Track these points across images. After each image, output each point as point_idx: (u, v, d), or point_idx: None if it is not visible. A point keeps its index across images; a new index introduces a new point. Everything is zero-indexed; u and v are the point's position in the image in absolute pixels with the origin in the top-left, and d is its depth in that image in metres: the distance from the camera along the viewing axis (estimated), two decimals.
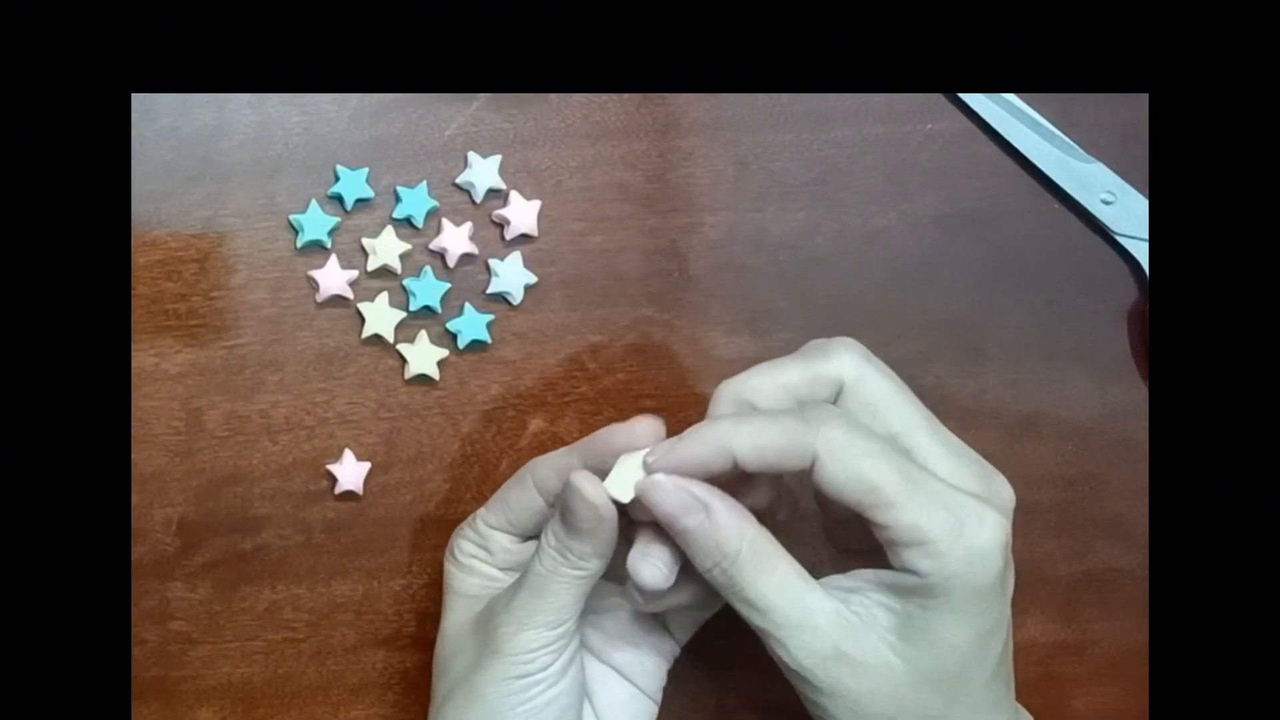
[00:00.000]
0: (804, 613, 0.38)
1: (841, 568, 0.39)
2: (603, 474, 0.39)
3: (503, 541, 0.43)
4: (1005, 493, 0.39)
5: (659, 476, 0.38)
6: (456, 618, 0.43)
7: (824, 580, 0.39)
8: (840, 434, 0.37)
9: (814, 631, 0.37)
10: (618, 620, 0.43)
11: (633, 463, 0.39)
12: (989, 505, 0.37)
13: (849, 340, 0.40)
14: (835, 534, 0.42)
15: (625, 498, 0.38)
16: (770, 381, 0.39)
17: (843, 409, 0.39)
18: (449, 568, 0.43)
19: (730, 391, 0.39)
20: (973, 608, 0.37)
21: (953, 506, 0.37)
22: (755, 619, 0.38)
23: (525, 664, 0.40)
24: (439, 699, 0.42)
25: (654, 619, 0.44)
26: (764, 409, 0.39)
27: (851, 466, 0.37)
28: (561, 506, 0.39)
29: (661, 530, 0.39)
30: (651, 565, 0.39)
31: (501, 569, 0.43)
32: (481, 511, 0.43)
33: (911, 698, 0.38)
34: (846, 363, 0.39)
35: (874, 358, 0.40)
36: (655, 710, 0.44)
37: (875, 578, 0.38)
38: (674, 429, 0.47)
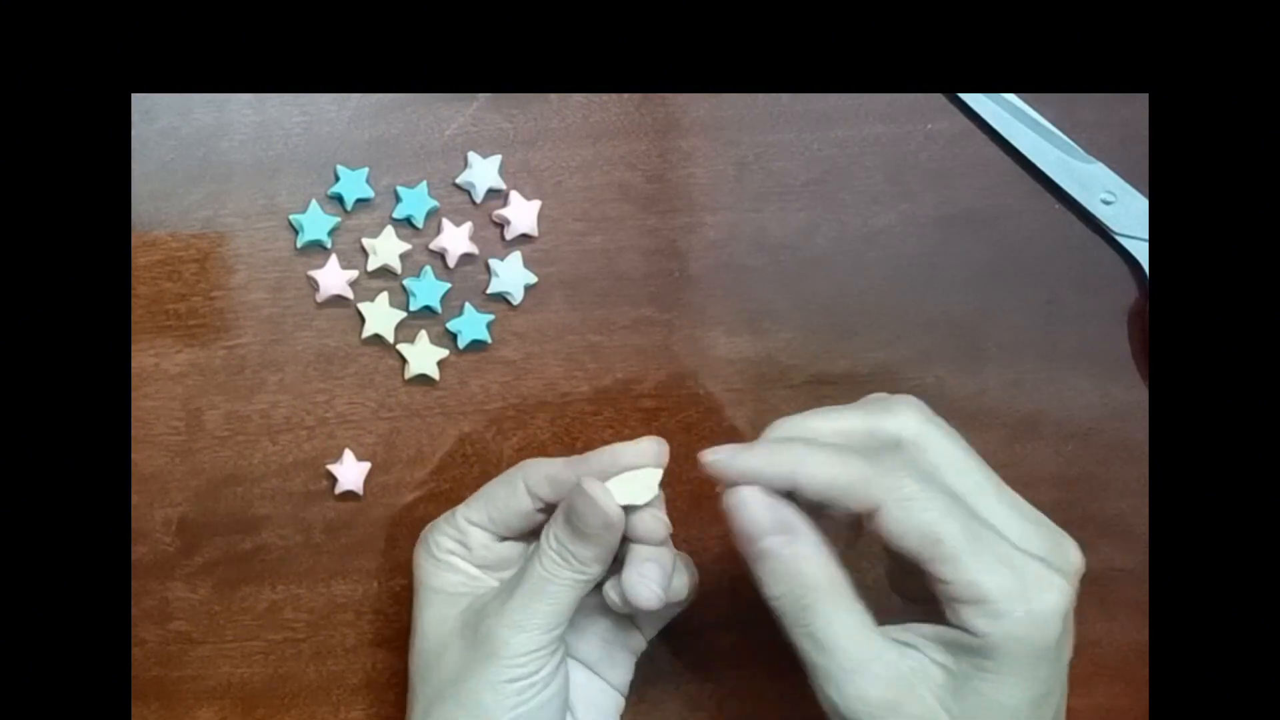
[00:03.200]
0: (865, 658, 0.37)
1: (902, 616, 0.39)
2: None
3: (482, 539, 0.43)
4: (1073, 557, 0.38)
5: (746, 490, 0.37)
6: (434, 614, 0.42)
7: (880, 629, 0.38)
8: (910, 484, 0.37)
9: (872, 679, 0.37)
10: (590, 619, 0.44)
11: (632, 478, 0.40)
12: (1054, 570, 0.37)
13: (911, 398, 0.40)
14: (900, 582, 0.41)
15: (636, 500, 0.39)
16: (828, 425, 0.39)
17: (911, 462, 0.38)
18: (423, 562, 0.43)
19: (785, 429, 0.39)
20: (1029, 672, 0.36)
21: (1016, 567, 0.36)
22: (815, 656, 0.37)
23: (520, 667, 0.40)
24: (424, 701, 0.42)
25: (624, 617, 0.44)
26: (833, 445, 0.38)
27: (917, 517, 0.36)
28: (568, 510, 0.40)
29: (653, 552, 0.40)
30: (647, 586, 0.40)
31: (479, 566, 0.43)
32: (461, 508, 0.43)
33: None
34: (908, 421, 0.39)
35: (936, 417, 0.39)
36: (623, 704, 0.45)
37: (933, 633, 0.37)
38: (674, 429, 0.47)
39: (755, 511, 0.37)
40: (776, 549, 0.37)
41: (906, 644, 0.37)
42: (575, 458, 0.41)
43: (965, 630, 0.36)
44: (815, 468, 0.37)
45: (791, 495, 0.38)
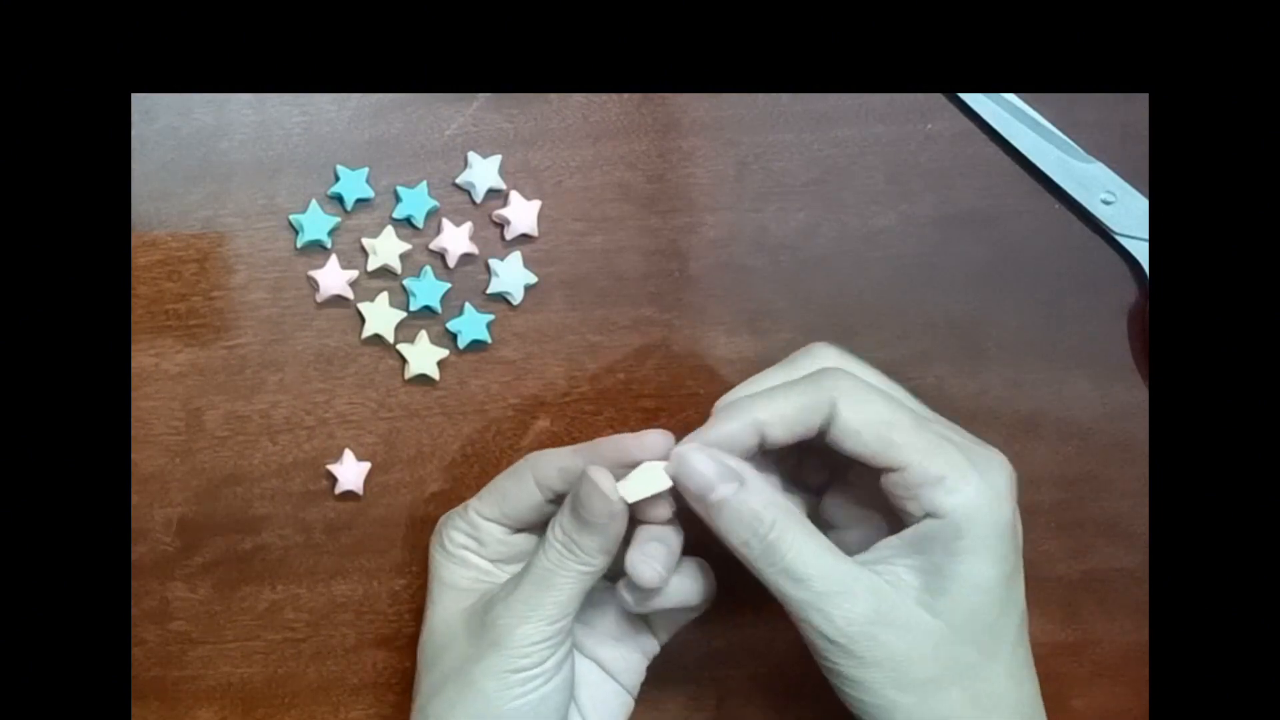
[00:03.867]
0: (842, 579, 0.38)
1: None
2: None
3: (495, 533, 0.43)
4: (1002, 458, 0.40)
5: (692, 447, 0.39)
6: (444, 609, 0.43)
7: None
8: (853, 382, 0.39)
9: (854, 597, 0.38)
10: (605, 617, 0.44)
11: (647, 468, 0.40)
12: (992, 449, 0.40)
13: (824, 343, 0.42)
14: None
15: (635, 496, 0.40)
16: (761, 387, 0.41)
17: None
18: (437, 557, 0.44)
19: (727, 402, 0.41)
20: (994, 546, 0.38)
21: (960, 446, 0.39)
22: (793, 590, 0.38)
23: (523, 658, 0.40)
24: (427, 691, 0.42)
25: (639, 618, 0.44)
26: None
27: (867, 408, 0.39)
28: (574, 500, 0.40)
29: (659, 532, 0.41)
30: (650, 565, 0.40)
31: (492, 560, 0.43)
32: (473, 502, 0.44)
33: (950, 653, 0.38)
34: (827, 358, 0.41)
35: (851, 354, 0.42)
36: (632, 705, 0.45)
37: (898, 542, 0.39)
38: (674, 429, 0.47)
39: (701, 465, 0.39)
40: (730, 495, 0.39)
41: (875, 561, 0.39)
42: (583, 445, 0.42)
43: (929, 515, 0.38)
44: (768, 409, 0.39)
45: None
